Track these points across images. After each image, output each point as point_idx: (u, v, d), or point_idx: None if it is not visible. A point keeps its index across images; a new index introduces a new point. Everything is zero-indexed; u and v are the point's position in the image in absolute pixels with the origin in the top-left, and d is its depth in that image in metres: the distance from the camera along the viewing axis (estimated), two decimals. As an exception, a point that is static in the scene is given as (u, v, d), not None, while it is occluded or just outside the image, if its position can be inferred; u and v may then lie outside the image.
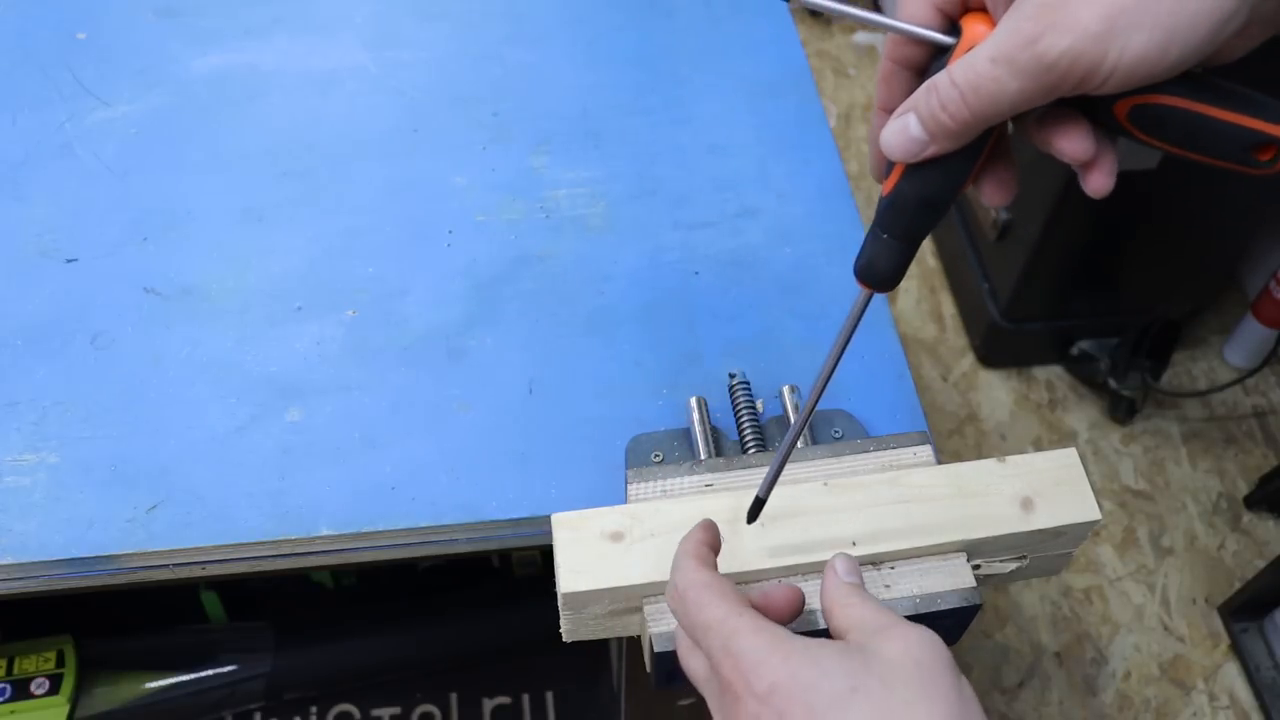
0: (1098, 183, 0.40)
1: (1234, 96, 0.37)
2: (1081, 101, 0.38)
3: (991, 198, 0.43)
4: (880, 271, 0.43)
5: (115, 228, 0.73)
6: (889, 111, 0.41)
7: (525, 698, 0.96)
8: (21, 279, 0.69)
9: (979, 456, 1.44)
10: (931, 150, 0.39)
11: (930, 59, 0.41)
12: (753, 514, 0.52)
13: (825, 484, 0.55)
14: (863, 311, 0.44)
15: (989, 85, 0.36)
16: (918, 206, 0.41)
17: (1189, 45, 0.34)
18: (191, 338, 0.67)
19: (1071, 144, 0.38)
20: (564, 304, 0.69)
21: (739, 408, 0.61)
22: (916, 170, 0.40)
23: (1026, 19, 0.35)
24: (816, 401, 0.48)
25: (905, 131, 0.39)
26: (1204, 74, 0.37)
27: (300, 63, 0.84)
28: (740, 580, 0.52)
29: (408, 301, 0.69)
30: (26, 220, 0.73)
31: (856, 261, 0.43)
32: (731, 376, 0.63)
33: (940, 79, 0.37)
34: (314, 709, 0.95)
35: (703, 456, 0.59)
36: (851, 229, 0.75)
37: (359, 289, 0.70)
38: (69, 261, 0.71)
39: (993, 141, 0.40)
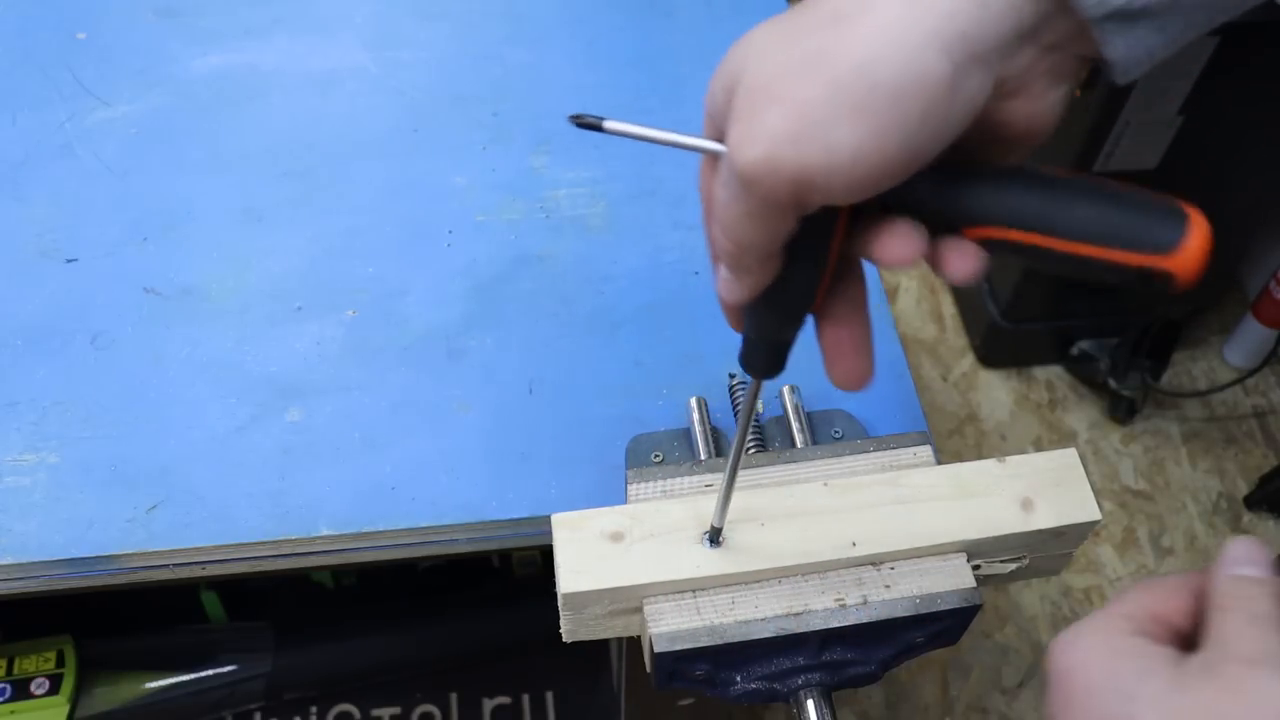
0: (956, 268, 0.36)
1: (1100, 221, 0.32)
2: (933, 225, 0.36)
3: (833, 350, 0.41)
4: (758, 366, 0.43)
5: (115, 228, 0.73)
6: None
7: (525, 698, 0.96)
8: (21, 279, 0.69)
9: (979, 456, 1.44)
10: (750, 283, 0.37)
11: None
12: (714, 539, 0.52)
13: (825, 484, 0.55)
14: (755, 395, 0.45)
15: (726, 213, 0.35)
16: (772, 317, 0.41)
17: (908, 131, 0.31)
18: (191, 338, 0.67)
19: (887, 250, 0.36)
20: (564, 304, 0.69)
21: (739, 408, 0.61)
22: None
23: (729, 134, 0.33)
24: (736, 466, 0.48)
25: (725, 281, 0.38)
26: (1055, 183, 0.33)
27: (300, 63, 0.84)
28: (737, 581, 0.52)
29: (408, 301, 0.69)
30: (26, 220, 0.73)
31: (740, 355, 0.44)
32: (731, 377, 0.63)
33: (711, 220, 0.36)
34: (314, 709, 0.95)
35: (703, 457, 0.59)
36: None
37: (359, 289, 0.70)
38: (69, 261, 0.71)
39: (833, 255, 0.38)
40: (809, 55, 0.32)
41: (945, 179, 0.35)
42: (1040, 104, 0.35)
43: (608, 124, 0.38)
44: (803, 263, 0.38)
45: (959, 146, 0.34)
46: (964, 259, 0.36)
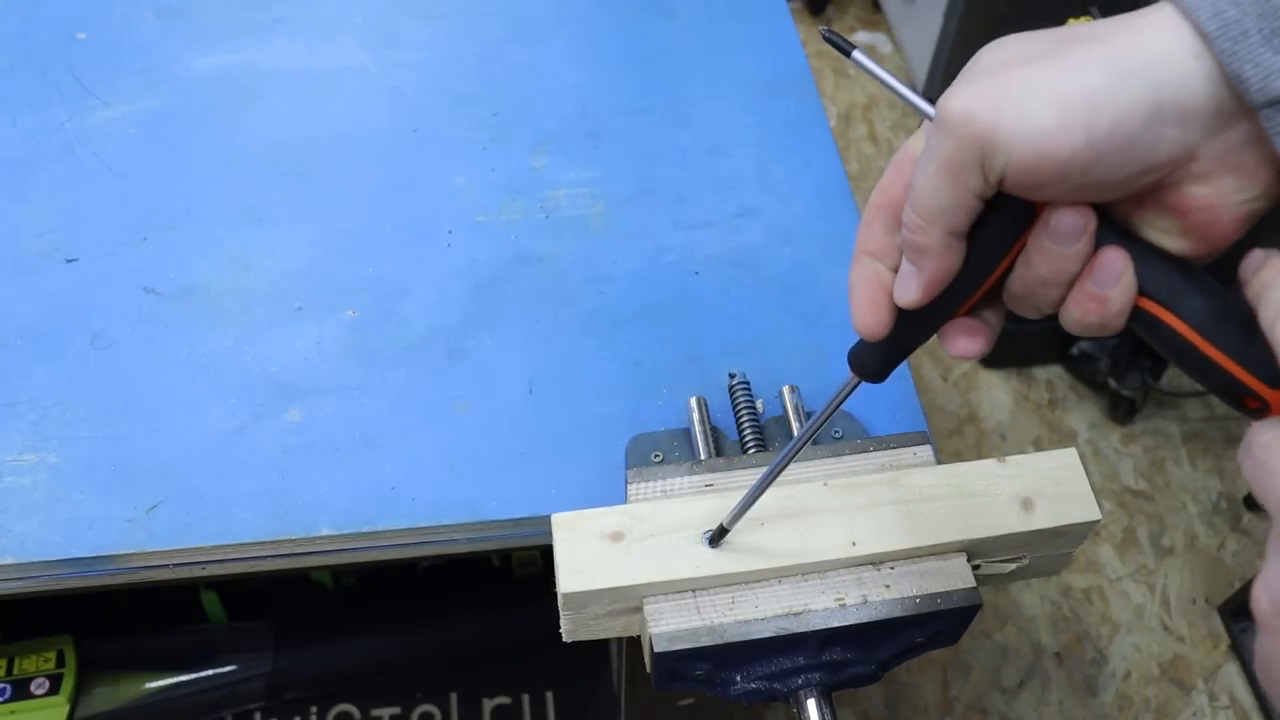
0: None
1: (1230, 327, 0.34)
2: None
3: (957, 347, 0.42)
4: (867, 365, 0.42)
5: (115, 228, 0.73)
6: (867, 253, 0.41)
7: (525, 698, 0.96)
8: (21, 279, 0.69)
9: (979, 456, 1.44)
10: (929, 270, 0.38)
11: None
12: (715, 540, 0.52)
13: (825, 484, 0.55)
14: (847, 395, 0.44)
15: (919, 180, 0.37)
16: (909, 324, 0.41)
17: (1095, 135, 0.33)
18: (191, 338, 0.67)
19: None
20: (564, 304, 0.69)
21: (739, 408, 0.61)
22: None
23: (945, 94, 0.36)
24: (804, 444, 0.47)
25: (904, 277, 0.39)
26: (1209, 282, 0.35)
27: (300, 63, 0.84)
28: (737, 581, 0.52)
29: (408, 301, 0.69)
30: (26, 220, 0.73)
31: (851, 349, 0.43)
32: (731, 376, 0.63)
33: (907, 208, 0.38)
34: (314, 709, 0.95)
35: (703, 456, 0.59)
36: (851, 229, 0.74)
37: (359, 289, 0.70)
38: (69, 261, 0.71)
39: (992, 280, 0.39)
40: (1033, 54, 0.35)
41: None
42: (1224, 202, 0.36)
43: (856, 54, 0.40)
44: (978, 257, 0.38)
45: (1136, 212, 0.37)
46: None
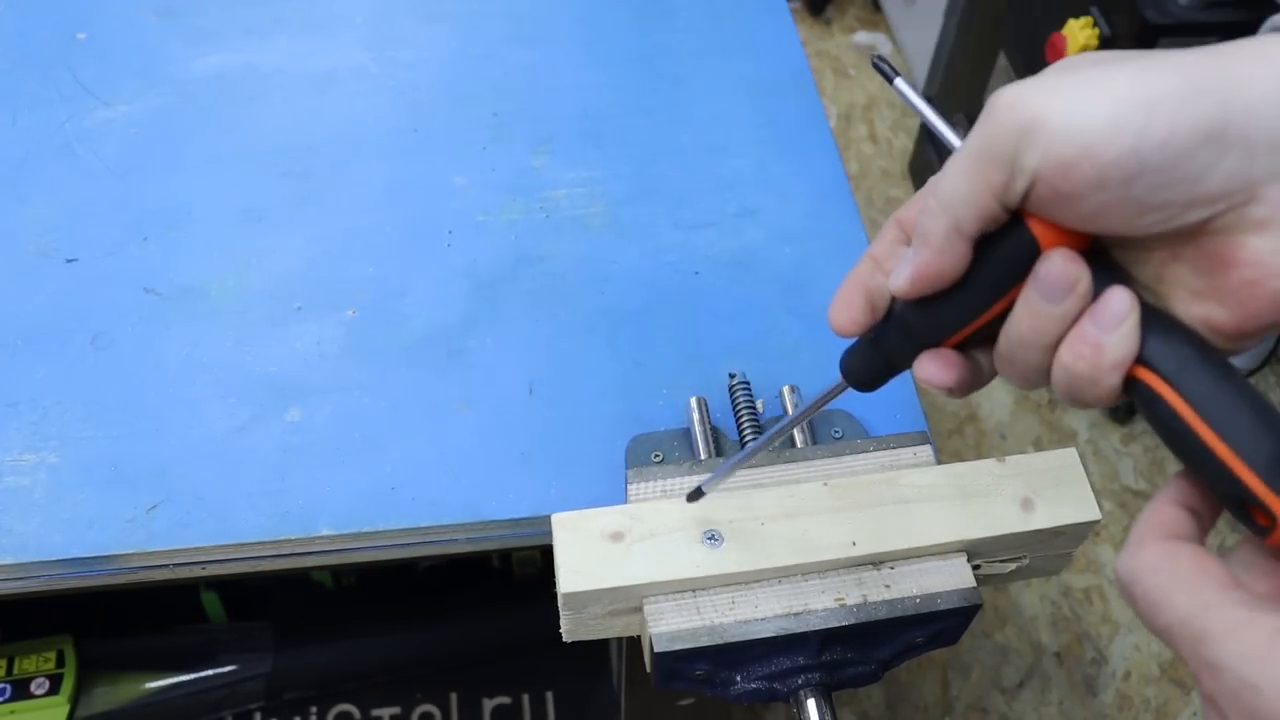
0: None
1: (1244, 418, 0.29)
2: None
3: (924, 371, 0.40)
4: (853, 371, 0.42)
5: (115, 228, 0.73)
6: (870, 256, 0.41)
7: (525, 698, 0.96)
8: (21, 279, 0.69)
9: (979, 456, 1.44)
10: (925, 260, 0.35)
11: None
12: (692, 497, 0.52)
13: (825, 484, 0.55)
14: (831, 397, 0.43)
15: (947, 166, 0.34)
16: (893, 334, 0.39)
17: (1144, 142, 0.30)
18: (191, 338, 0.67)
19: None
20: (564, 304, 0.69)
21: (739, 408, 0.61)
22: (913, 303, 0.37)
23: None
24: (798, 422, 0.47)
25: (901, 262, 0.37)
26: (1225, 362, 0.31)
27: (300, 63, 0.84)
28: (737, 581, 0.52)
29: (408, 301, 0.69)
30: (26, 220, 0.73)
31: (843, 354, 0.42)
32: (731, 376, 0.63)
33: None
34: (314, 709, 0.95)
35: (703, 456, 0.59)
36: (851, 229, 0.75)
37: (359, 289, 0.70)
38: (69, 261, 0.71)
39: (981, 320, 0.36)
40: (1113, 60, 0.33)
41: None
42: (1276, 263, 0.32)
43: (898, 81, 0.43)
44: (972, 288, 0.35)
45: (1170, 265, 0.34)
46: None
